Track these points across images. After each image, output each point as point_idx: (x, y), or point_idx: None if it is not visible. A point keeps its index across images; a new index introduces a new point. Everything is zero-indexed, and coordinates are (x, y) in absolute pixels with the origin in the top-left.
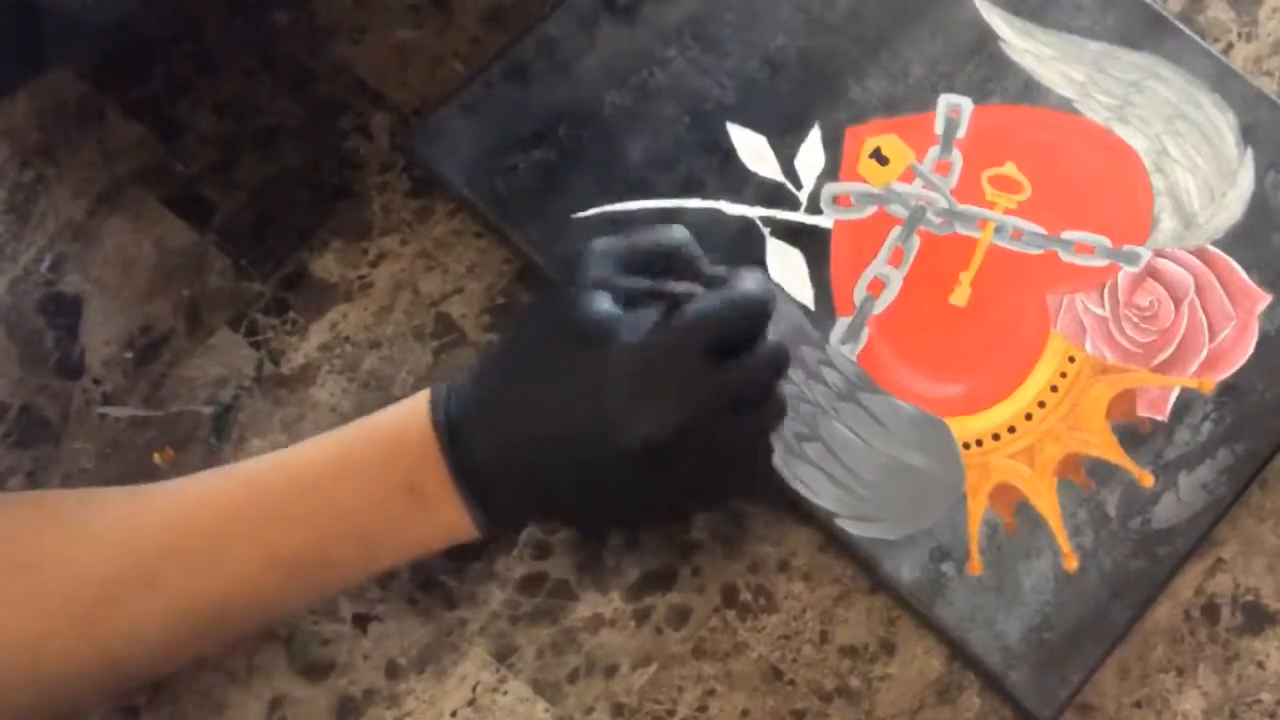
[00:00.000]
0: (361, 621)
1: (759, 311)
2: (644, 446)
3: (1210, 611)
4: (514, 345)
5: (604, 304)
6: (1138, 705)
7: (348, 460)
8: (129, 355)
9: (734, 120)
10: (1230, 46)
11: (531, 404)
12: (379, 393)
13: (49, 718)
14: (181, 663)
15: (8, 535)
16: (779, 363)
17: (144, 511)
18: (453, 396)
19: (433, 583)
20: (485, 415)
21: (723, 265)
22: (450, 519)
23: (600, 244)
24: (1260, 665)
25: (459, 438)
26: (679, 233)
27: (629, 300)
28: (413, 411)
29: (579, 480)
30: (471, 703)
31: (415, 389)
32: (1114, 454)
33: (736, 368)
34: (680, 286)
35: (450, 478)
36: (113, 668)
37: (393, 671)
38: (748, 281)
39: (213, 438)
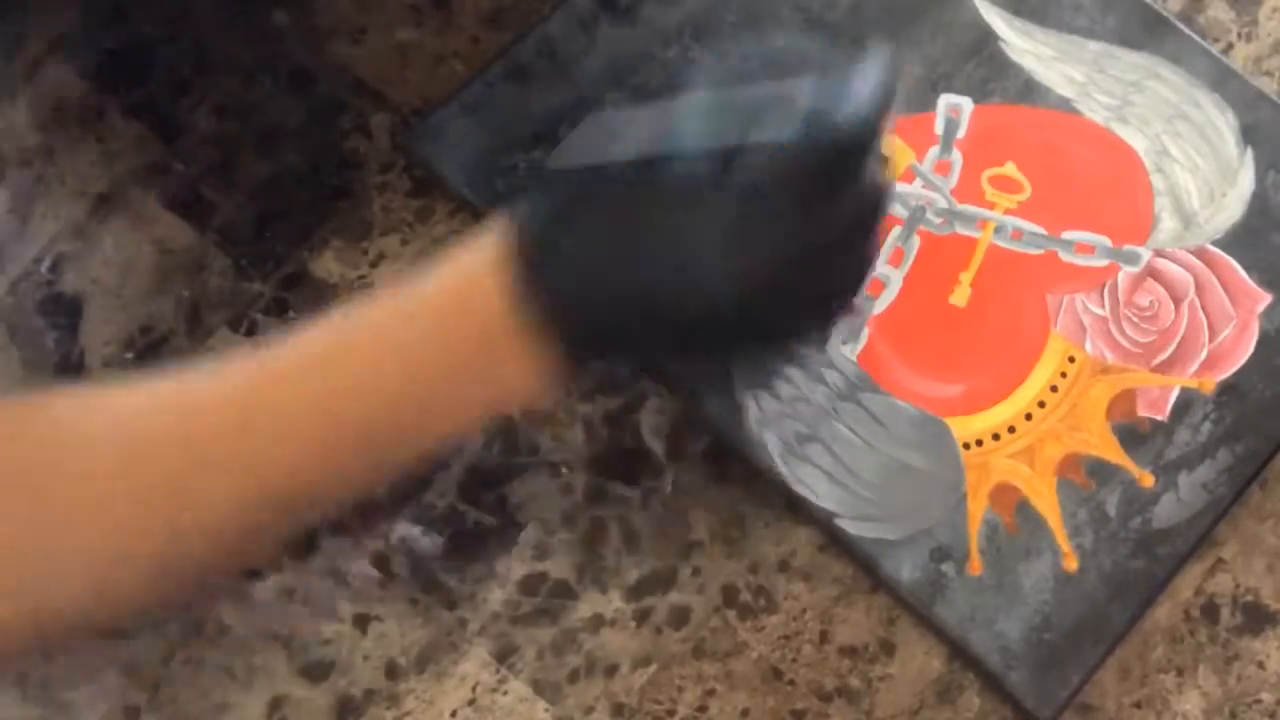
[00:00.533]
0: (361, 621)
1: (859, 138)
2: (740, 286)
3: (1210, 611)
4: (599, 169)
5: (690, 130)
6: (1138, 705)
7: (417, 313)
8: (129, 355)
9: None
10: (1230, 46)
11: (620, 247)
12: None
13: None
14: (257, 550)
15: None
16: (879, 202)
17: (200, 403)
18: (534, 226)
19: (433, 583)
20: (569, 246)
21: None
22: (525, 369)
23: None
24: (1260, 665)
25: (540, 262)
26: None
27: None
28: (488, 251)
29: (670, 323)
30: (471, 703)
31: None
32: (1114, 454)
33: (835, 204)
34: (774, 108)
35: (530, 302)
36: (186, 555)
37: (393, 671)
38: (852, 96)
39: None
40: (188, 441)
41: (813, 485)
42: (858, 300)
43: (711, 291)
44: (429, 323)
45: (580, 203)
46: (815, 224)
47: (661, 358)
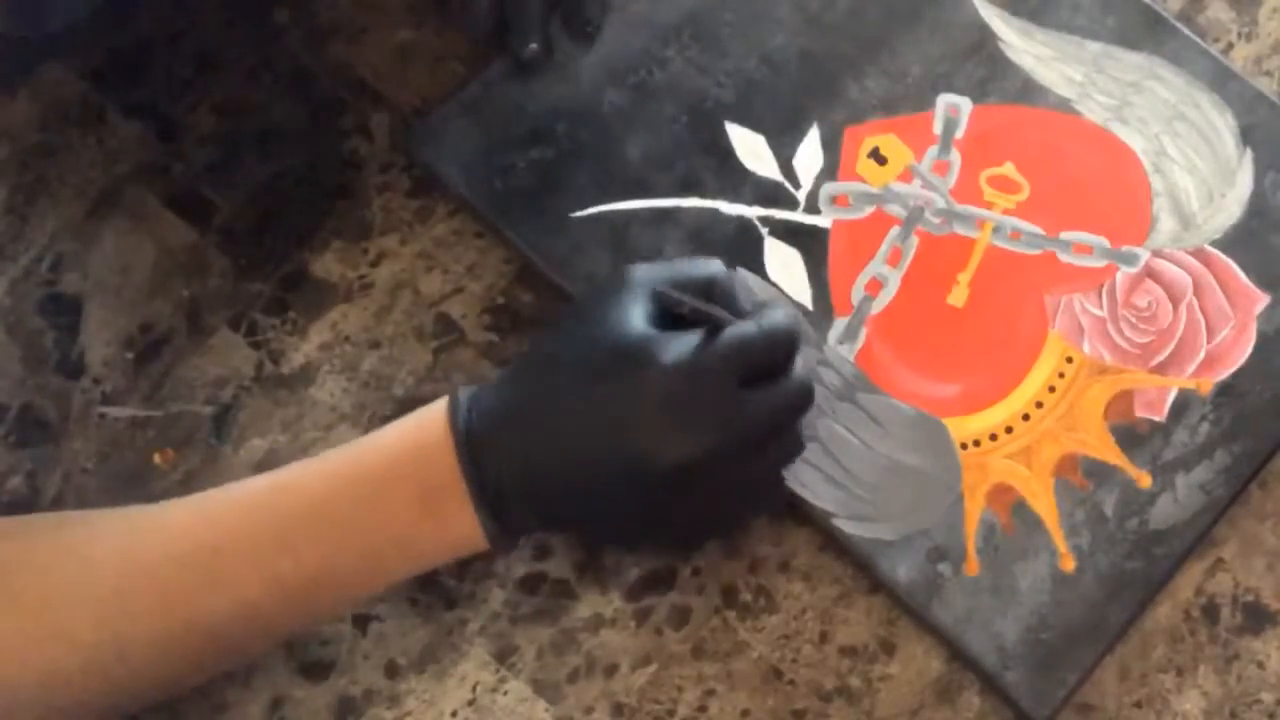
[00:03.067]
0: (361, 621)
1: (790, 343)
2: (675, 470)
3: (1210, 611)
4: (543, 355)
5: (641, 323)
6: (1138, 705)
7: (358, 474)
8: (129, 355)
9: (732, 120)
10: (1230, 47)
11: (559, 420)
12: (379, 393)
13: None
14: (184, 685)
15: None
16: (807, 396)
17: (141, 533)
18: (474, 407)
19: (433, 583)
20: (508, 428)
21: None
22: (462, 532)
23: (641, 269)
24: (1260, 665)
25: (479, 450)
26: (715, 264)
27: (666, 323)
28: (429, 422)
29: (602, 501)
30: (471, 703)
31: (415, 389)
32: (1111, 455)
33: (767, 397)
34: (724, 313)
35: (468, 491)
36: (110, 688)
37: (393, 671)
38: (778, 313)
39: (213, 438)
40: (131, 583)
41: (810, 485)
42: (778, 499)
43: (651, 457)
44: (372, 477)
45: (524, 376)
46: (750, 405)
47: (594, 536)
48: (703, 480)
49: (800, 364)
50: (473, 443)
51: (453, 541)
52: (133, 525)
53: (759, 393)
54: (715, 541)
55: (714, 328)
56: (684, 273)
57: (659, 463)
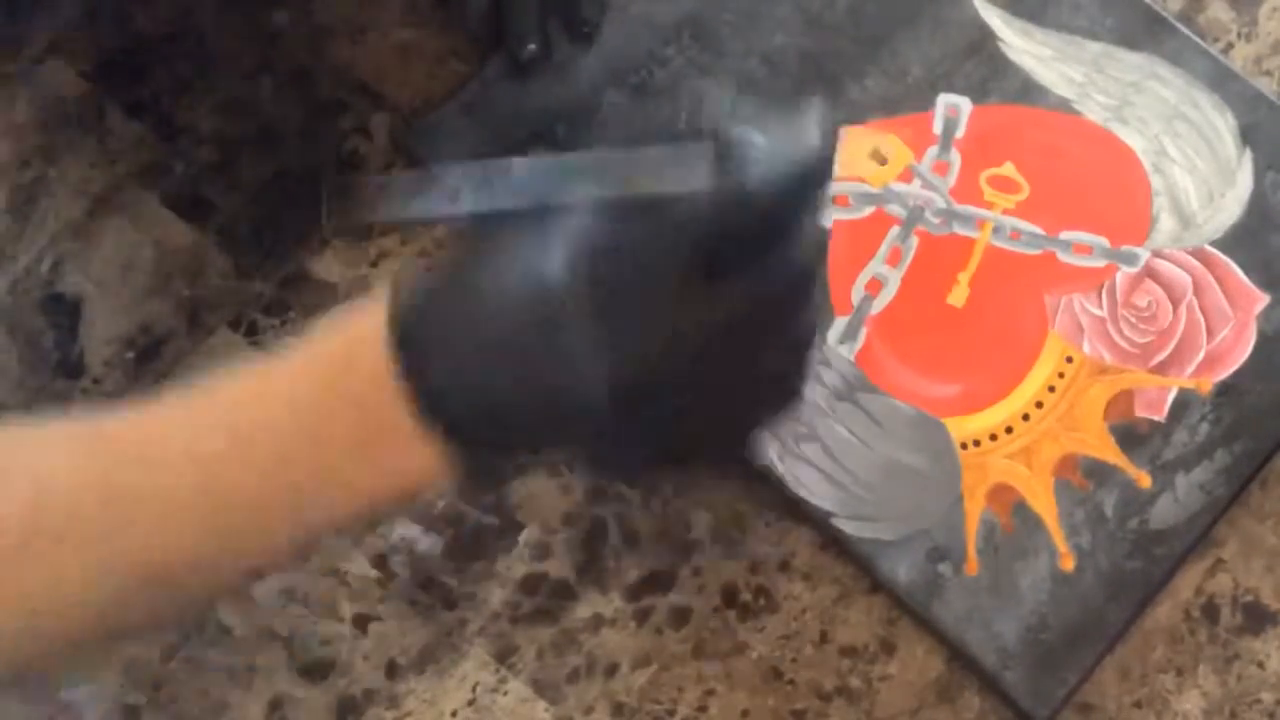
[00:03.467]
0: (361, 621)
1: (780, 199)
2: (614, 391)
3: (1210, 611)
4: (468, 238)
5: (575, 185)
6: (1138, 705)
7: (283, 383)
8: (129, 355)
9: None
10: (1230, 47)
11: (490, 325)
12: None
13: None
14: (115, 636)
15: None
16: (805, 274)
17: (55, 471)
18: (405, 307)
19: (433, 583)
20: (442, 328)
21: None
22: (413, 456)
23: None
24: (1260, 665)
25: (414, 355)
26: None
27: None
28: (360, 329)
29: (551, 423)
30: (471, 703)
31: None
32: (1111, 454)
33: (738, 286)
34: (676, 160)
35: (409, 401)
36: (33, 624)
37: (393, 671)
38: (773, 151)
39: None
40: (47, 510)
41: (810, 485)
42: (798, 403)
43: (581, 386)
44: (304, 391)
45: (458, 269)
46: (709, 304)
47: (550, 454)
48: (661, 402)
49: (805, 225)
50: (408, 347)
51: (410, 466)
52: (47, 459)
53: (726, 285)
54: (715, 541)
55: (658, 198)
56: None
57: (589, 390)
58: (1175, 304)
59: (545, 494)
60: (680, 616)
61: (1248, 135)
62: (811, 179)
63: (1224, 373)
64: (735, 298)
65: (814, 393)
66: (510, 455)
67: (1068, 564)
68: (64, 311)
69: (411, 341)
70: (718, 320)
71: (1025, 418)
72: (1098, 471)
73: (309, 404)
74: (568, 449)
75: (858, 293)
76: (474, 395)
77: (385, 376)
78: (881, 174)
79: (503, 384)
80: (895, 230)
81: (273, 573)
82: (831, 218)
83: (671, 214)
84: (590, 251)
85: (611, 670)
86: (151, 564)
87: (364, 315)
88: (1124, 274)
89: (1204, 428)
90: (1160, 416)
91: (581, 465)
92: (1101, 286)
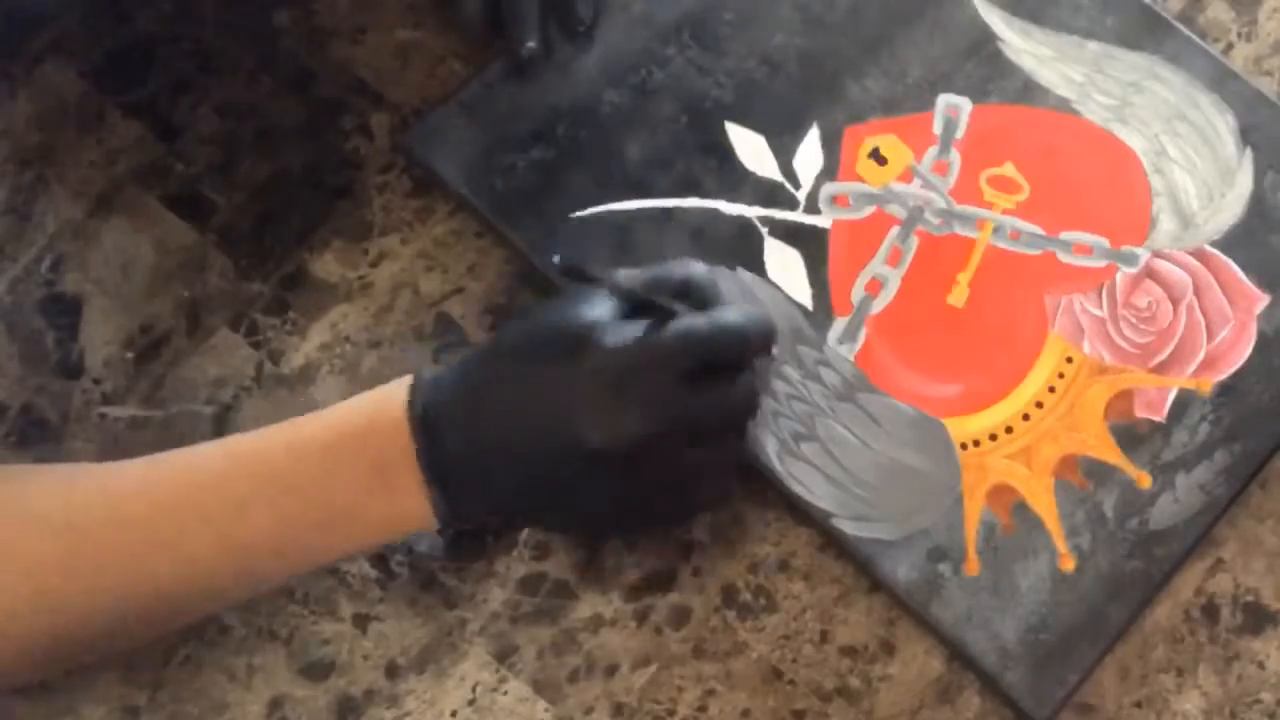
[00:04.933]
0: (361, 621)
1: (745, 342)
2: (602, 452)
3: (1210, 611)
4: (501, 339)
5: (595, 310)
6: (1138, 705)
7: (314, 445)
8: (129, 355)
9: (732, 120)
10: (1230, 47)
11: (506, 398)
12: None
13: None
14: (132, 644)
15: None
16: (753, 400)
17: (86, 492)
18: (434, 385)
19: (433, 583)
20: (461, 406)
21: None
22: (413, 510)
23: (621, 272)
24: (1260, 665)
25: (433, 427)
26: (696, 266)
27: (626, 313)
28: (390, 396)
29: (540, 482)
30: (471, 703)
31: None
32: (1111, 455)
33: (711, 395)
34: (677, 305)
35: (419, 467)
36: (49, 645)
37: (393, 671)
38: (737, 313)
39: (213, 438)
40: (81, 540)
41: (809, 485)
42: (722, 500)
43: (575, 436)
44: (329, 447)
45: (482, 361)
46: (688, 399)
47: (537, 520)
48: (637, 467)
49: (759, 368)
50: (428, 421)
51: (403, 518)
52: (77, 483)
53: (702, 388)
54: (715, 541)
55: (662, 317)
56: (658, 273)
57: (588, 444)
58: (1175, 304)
59: None
60: (680, 616)
61: (1248, 135)
62: (766, 337)
63: (1224, 373)
64: (703, 399)
65: (813, 392)
66: (495, 513)
67: (1068, 564)
68: (64, 311)
69: (428, 415)
70: (689, 412)
71: (1025, 418)
72: (1098, 472)
73: (330, 460)
74: (547, 501)
75: (858, 293)
76: (476, 466)
77: (402, 443)
78: (881, 174)
79: (506, 448)
80: (895, 230)
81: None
82: (832, 218)
83: (675, 330)
84: (609, 346)
85: (611, 670)
86: (173, 593)
87: (390, 391)
88: (1124, 274)
89: (1204, 428)
90: (1160, 417)
91: (551, 520)
92: (1101, 287)
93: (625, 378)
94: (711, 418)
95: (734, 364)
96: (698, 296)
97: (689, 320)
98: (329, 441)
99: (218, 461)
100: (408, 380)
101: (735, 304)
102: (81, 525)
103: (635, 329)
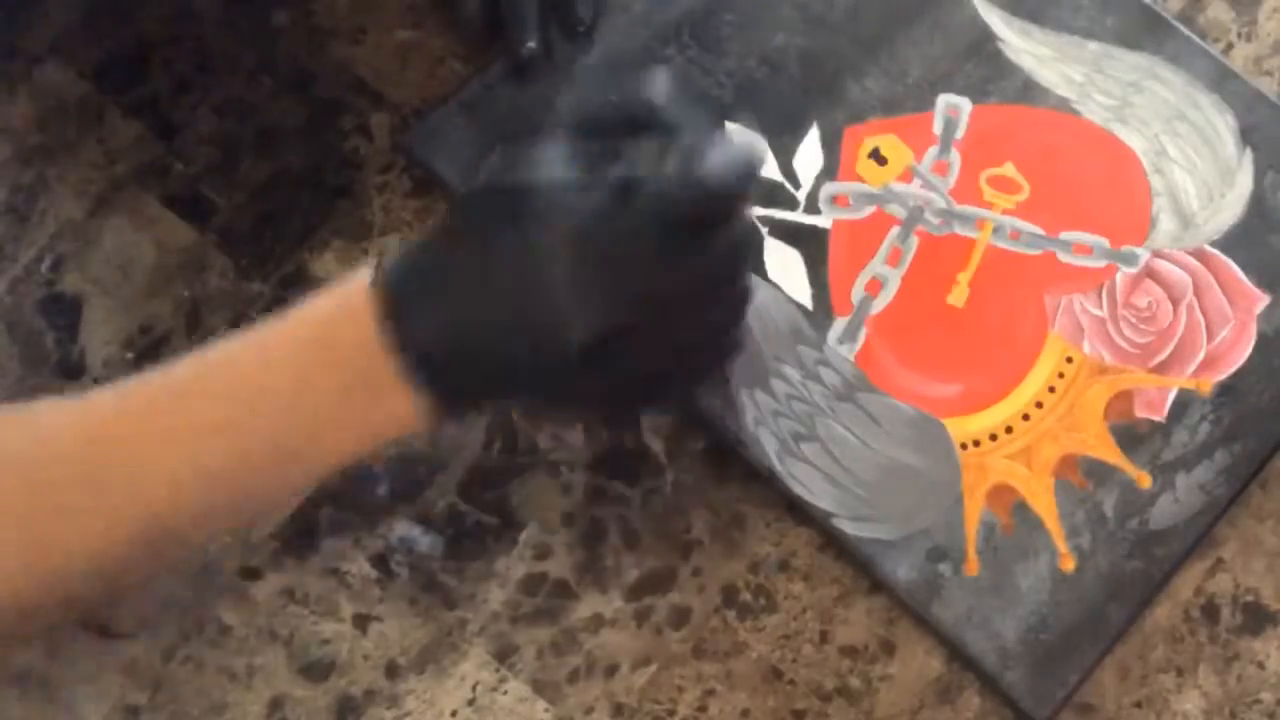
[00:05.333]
0: (361, 621)
1: (729, 191)
2: (589, 339)
3: (1210, 611)
4: (458, 211)
5: (555, 168)
6: (1138, 705)
7: (278, 348)
8: (129, 355)
9: (732, 119)
10: (1230, 47)
11: (474, 276)
12: None
13: None
14: (130, 574)
15: None
16: (743, 251)
17: (58, 430)
18: (393, 272)
19: (433, 583)
20: (430, 286)
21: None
22: (393, 405)
23: (571, 98)
24: (1260, 665)
25: (400, 313)
26: (659, 84)
27: (588, 163)
28: (349, 293)
29: (525, 368)
30: (471, 703)
31: None
32: (1111, 455)
33: (696, 257)
34: (645, 153)
35: (393, 355)
36: (44, 588)
37: (393, 671)
38: (721, 155)
39: None
40: (48, 468)
41: (809, 485)
42: (729, 358)
43: (555, 331)
44: (296, 351)
45: (444, 236)
46: (673, 270)
47: (524, 402)
48: (628, 348)
49: (746, 211)
50: (394, 306)
51: (390, 418)
52: (47, 421)
53: (686, 256)
54: (715, 541)
55: (629, 180)
56: (618, 97)
57: (570, 332)
58: (1175, 304)
59: (545, 494)
60: (680, 616)
61: (1248, 136)
62: (749, 180)
63: (1224, 373)
64: (690, 267)
65: (813, 392)
66: (481, 401)
67: (1068, 564)
68: (64, 311)
69: (396, 299)
70: (676, 284)
71: (1025, 418)
72: (1098, 472)
73: (300, 364)
74: (535, 395)
75: (858, 293)
76: (453, 346)
77: (371, 334)
78: (881, 174)
79: (483, 335)
80: (895, 230)
81: (264, 522)
82: (832, 218)
83: (647, 197)
84: (576, 221)
85: (611, 670)
86: (158, 513)
87: (351, 282)
88: (1124, 274)
89: (1204, 428)
90: (1160, 417)
91: (542, 409)
92: (1101, 287)
93: (601, 257)
94: (700, 284)
95: (720, 215)
96: (661, 127)
97: (663, 184)
98: (296, 346)
99: (188, 383)
100: (364, 272)
101: (706, 139)
102: (54, 459)
103: (601, 190)
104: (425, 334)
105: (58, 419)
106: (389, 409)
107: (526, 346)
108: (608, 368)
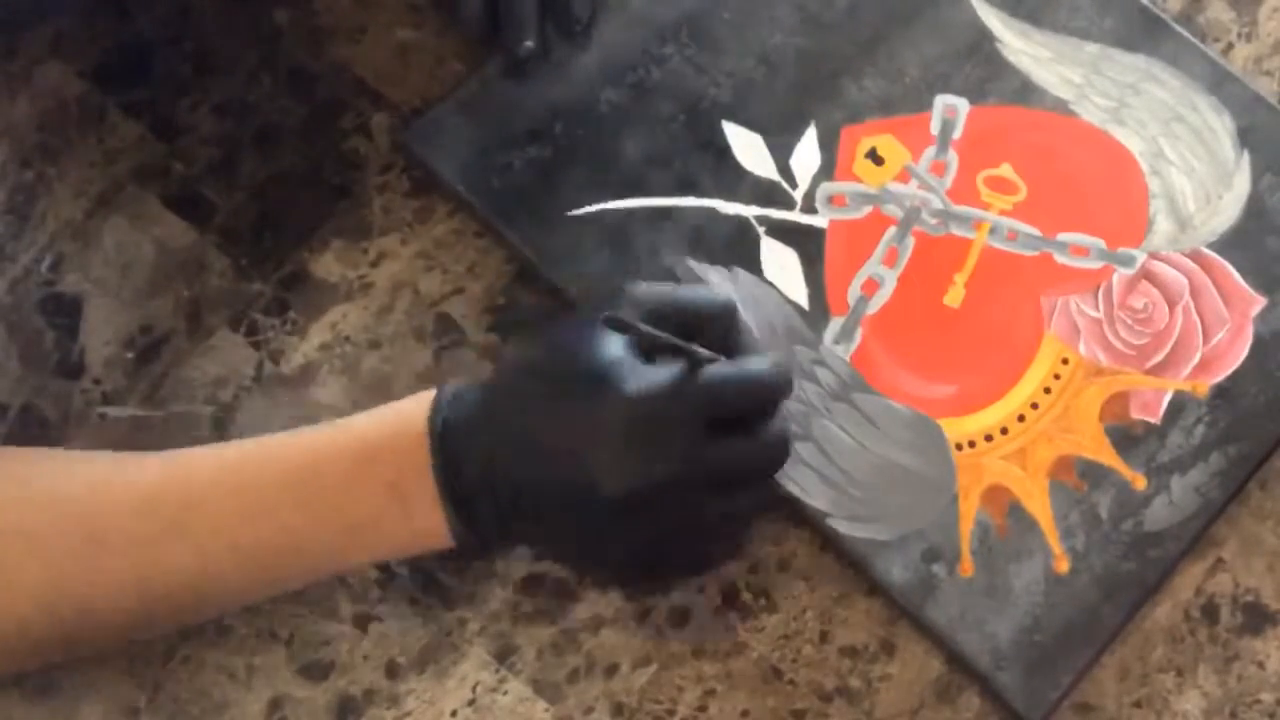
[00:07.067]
0: (361, 621)
1: (773, 394)
2: (625, 496)
3: (1210, 611)
4: (525, 365)
5: (620, 348)
6: (1138, 705)
7: (333, 453)
8: (129, 355)
9: (730, 119)
10: (1230, 47)
11: (527, 430)
12: (379, 393)
13: None
14: (138, 636)
15: None
16: (780, 451)
17: (112, 483)
18: (454, 404)
19: (433, 583)
20: (481, 430)
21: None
22: (427, 525)
23: (642, 288)
24: (1260, 665)
25: (451, 446)
26: (722, 296)
27: (648, 352)
28: (411, 412)
29: (556, 514)
30: (471, 703)
31: (415, 389)
32: (1106, 456)
33: (736, 447)
34: (703, 351)
35: (434, 483)
36: (64, 634)
37: (393, 671)
38: (768, 362)
39: (213, 438)
40: (100, 529)
41: (805, 485)
42: (744, 546)
43: (590, 497)
44: (347, 460)
45: (505, 391)
46: (713, 453)
47: (554, 551)
48: (652, 515)
49: (782, 416)
50: (447, 438)
51: (419, 534)
52: (104, 473)
53: (726, 440)
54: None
55: (692, 365)
56: (684, 298)
57: (604, 489)
58: (1171, 306)
59: None
60: (680, 616)
61: (1245, 137)
62: (789, 387)
63: (1220, 375)
64: (729, 453)
65: (809, 392)
66: (509, 540)
67: (1062, 565)
68: (64, 311)
69: (447, 438)
70: (717, 470)
71: (1020, 419)
72: (1093, 473)
73: (349, 473)
74: (564, 545)
75: (854, 293)
76: (497, 491)
77: (420, 463)
78: (878, 174)
79: (527, 479)
80: (892, 231)
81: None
82: (829, 218)
83: (703, 383)
84: (635, 395)
85: (611, 670)
86: (186, 589)
87: (412, 401)
88: (1120, 276)
89: (1200, 430)
90: (1156, 418)
91: (564, 558)
92: (1098, 288)
93: (647, 428)
94: (736, 469)
95: (760, 412)
96: (717, 331)
97: (719, 371)
98: (349, 453)
99: (239, 463)
100: (430, 395)
101: (757, 349)
102: (102, 512)
103: (657, 374)
104: (468, 470)
105: (110, 476)
106: (423, 528)
107: (562, 488)
108: (633, 523)
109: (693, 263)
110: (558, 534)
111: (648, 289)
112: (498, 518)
